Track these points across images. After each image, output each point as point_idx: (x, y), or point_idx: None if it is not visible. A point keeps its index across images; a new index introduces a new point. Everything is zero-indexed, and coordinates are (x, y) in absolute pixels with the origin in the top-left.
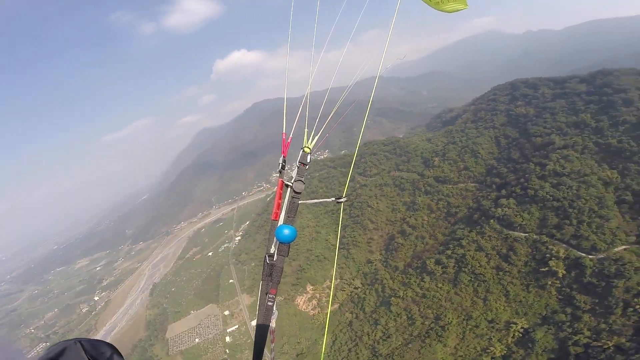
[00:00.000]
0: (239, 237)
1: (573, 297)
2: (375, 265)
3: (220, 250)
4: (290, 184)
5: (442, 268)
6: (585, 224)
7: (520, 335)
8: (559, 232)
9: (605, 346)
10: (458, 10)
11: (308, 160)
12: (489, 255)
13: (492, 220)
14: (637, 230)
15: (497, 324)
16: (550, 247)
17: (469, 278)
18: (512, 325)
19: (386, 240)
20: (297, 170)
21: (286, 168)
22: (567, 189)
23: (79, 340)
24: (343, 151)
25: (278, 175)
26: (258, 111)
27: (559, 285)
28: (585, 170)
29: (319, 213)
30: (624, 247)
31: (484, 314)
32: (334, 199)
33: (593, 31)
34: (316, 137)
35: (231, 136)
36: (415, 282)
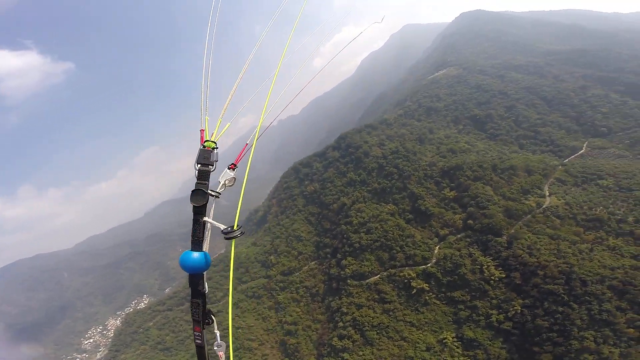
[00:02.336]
0: None
1: (451, 297)
2: None
3: None
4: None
5: (348, 339)
6: (405, 246)
7: (460, 342)
8: (396, 261)
9: (517, 310)
10: None
11: (213, 160)
12: (371, 306)
13: (349, 280)
14: (432, 234)
15: (434, 347)
16: (401, 274)
17: (375, 332)
18: (445, 340)
19: (279, 348)
20: (198, 176)
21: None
22: (375, 230)
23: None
24: None
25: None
26: (15, 277)
27: (435, 295)
28: (375, 212)
29: None
30: (437, 247)
31: (417, 348)
32: (223, 233)
33: (317, 106)
34: (227, 124)
35: None
36: None
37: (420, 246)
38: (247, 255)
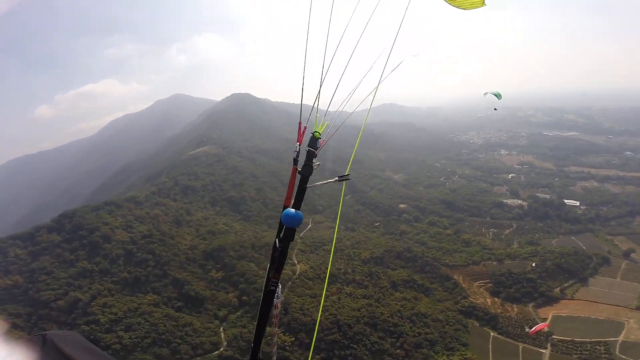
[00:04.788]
0: None
1: None
2: None
3: None
4: (299, 169)
5: None
6: (185, 336)
7: None
8: (181, 354)
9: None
10: (475, 8)
11: (318, 145)
12: None
13: None
14: (211, 317)
15: None
16: None
17: None
18: None
19: None
20: (306, 155)
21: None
22: (139, 325)
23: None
24: None
25: (293, 162)
26: None
27: None
28: (132, 306)
29: None
30: (222, 329)
31: None
32: (337, 178)
33: (25, 167)
34: (326, 122)
35: None
36: None
37: (203, 332)
38: None
